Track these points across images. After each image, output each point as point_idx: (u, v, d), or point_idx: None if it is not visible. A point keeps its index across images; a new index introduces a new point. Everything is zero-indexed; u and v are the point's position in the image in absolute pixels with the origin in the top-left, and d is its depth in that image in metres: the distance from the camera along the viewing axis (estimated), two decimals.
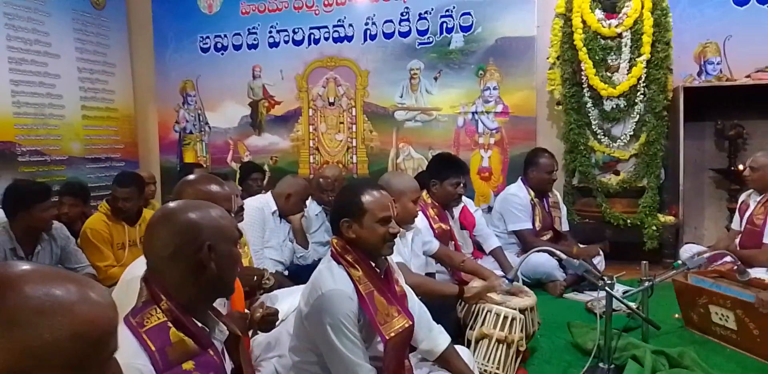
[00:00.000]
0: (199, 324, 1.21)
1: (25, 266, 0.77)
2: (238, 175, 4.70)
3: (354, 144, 5.47)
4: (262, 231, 3.32)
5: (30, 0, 4.81)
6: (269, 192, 3.56)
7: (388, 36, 5.24)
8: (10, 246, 2.75)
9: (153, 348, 1.12)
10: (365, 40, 5.32)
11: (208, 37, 5.78)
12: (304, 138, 5.62)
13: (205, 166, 5.53)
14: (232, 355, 1.29)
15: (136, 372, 1.08)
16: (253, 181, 4.50)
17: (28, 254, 2.85)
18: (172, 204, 1.29)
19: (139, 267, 1.72)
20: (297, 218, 3.67)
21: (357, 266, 1.72)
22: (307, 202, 3.68)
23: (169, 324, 1.16)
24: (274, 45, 5.61)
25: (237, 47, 5.72)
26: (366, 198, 1.73)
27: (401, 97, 5.28)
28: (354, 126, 5.46)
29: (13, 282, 0.72)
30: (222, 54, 5.76)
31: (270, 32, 5.60)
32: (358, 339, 1.65)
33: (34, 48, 4.84)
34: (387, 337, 1.66)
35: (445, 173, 3.12)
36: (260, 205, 3.38)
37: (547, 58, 4.51)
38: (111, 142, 5.68)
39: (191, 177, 2.07)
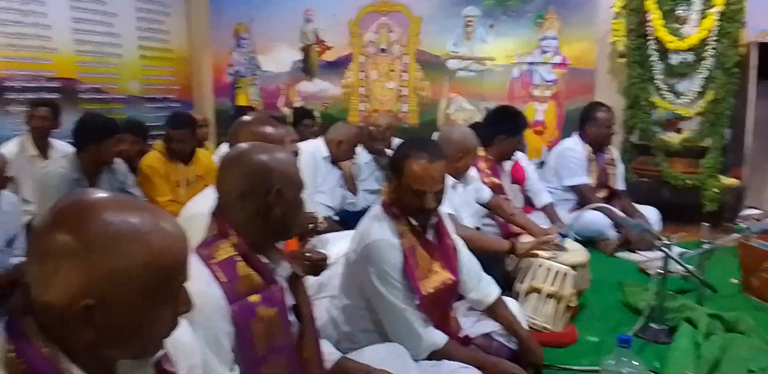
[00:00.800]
0: (265, 261, 1.26)
1: (104, 194, 0.79)
2: (291, 120, 4.71)
3: (405, 93, 5.39)
4: (314, 175, 3.37)
5: None
6: (321, 138, 3.58)
7: None
8: (75, 177, 2.86)
9: (223, 280, 1.17)
10: None
11: None
12: (355, 85, 5.56)
13: (257, 110, 5.57)
14: (293, 293, 1.34)
15: (210, 300, 1.13)
16: (306, 127, 4.52)
17: (91, 185, 2.97)
18: (245, 145, 1.31)
19: (197, 204, 1.78)
20: (347, 165, 3.70)
21: (401, 219, 1.73)
22: (358, 150, 3.69)
23: (237, 259, 1.21)
24: None
25: None
26: (410, 163, 1.67)
27: (455, 45, 5.12)
28: (405, 74, 5.36)
29: (93, 209, 0.75)
30: None
31: None
32: (403, 286, 1.68)
33: None
34: (424, 293, 1.68)
35: (512, 129, 3.04)
36: (312, 150, 3.41)
37: (611, 7, 4.26)
38: (167, 82, 5.76)
39: (246, 117, 2.07)
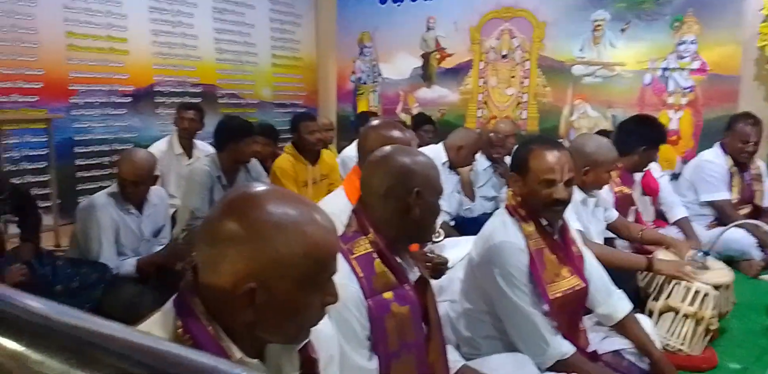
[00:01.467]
0: (399, 260, 1.30)
1: (265, 187, 0.86)
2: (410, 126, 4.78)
3: (525, 99, 5.28)
4: None
5: None
6: (441, 143, 3.61)
7: None
8: (216, 174, 3.11)
9: (361, 275, 1.24)
10: None
11: None
12: (473, 91, 5.53)
13: (379, 115, 5.72)
14: (420, 296, 1.36)
15: (350, 293, 1.20)
16: (425, 132, 4.57)
17: (230, 183, 3.21)
18: (390, 148, 1.40)
19: (327, 204, 1.86)
20: (466, 171, 3.69)
21: (528, 221, 1.69)
22: (477, 156, 3.67)
23: (374, 256, 1.28)
24: None
25: None
26: (534, 156, 1.66)
27: (581, 50, 4.94)
28: (526, 80, 5.25)
29: (257, 200, 0.82)
30: (398, 5, 5.79)
31: None
32: (530, 290, 1.65)
33: None
34: (551, 297, 1.63)
35: (654, 140, 2.84)
36: (432, 155, 3.41)
37: (761, 10, 3.90)
38: (295, 88, 6.10)
39: (375, 122, 2.14)
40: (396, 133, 1.97)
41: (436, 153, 3.52)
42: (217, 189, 3.17)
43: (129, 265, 2.60)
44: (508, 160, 3.81)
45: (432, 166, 1.37)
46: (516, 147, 1.81)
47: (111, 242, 2.59)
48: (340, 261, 1.21)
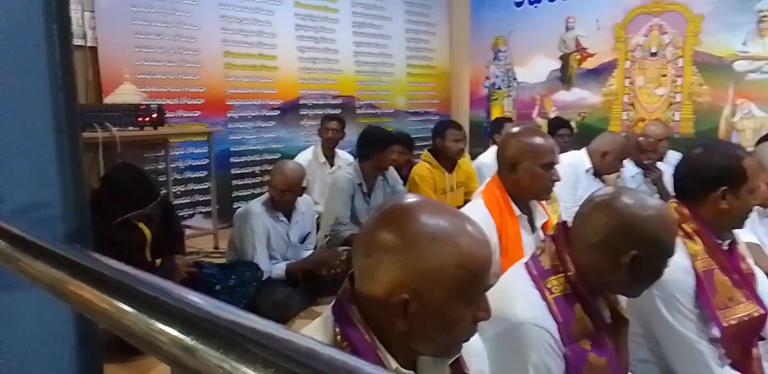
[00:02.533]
0: (597, 306, 1.20)
1: (418, 198, 0.86)
2: (546, 131, 4.62)
3: (678, 99, 4.85)
4: (574, 188, 3.24)
5: None
6: (584, 149, 3.43)
7: None
8: (358, 182, 3.24)
9: (560, 320, 1.14)
10: None
11: None
12: (618, 92, 5.20)
13: (515, 121, 5.60)
14: (612, 339, 1.25)
15: (548, 338, 1.12)
16: (560, 137, 4.37)
17: (369, 190, 3.33)
18: (625, 195, 1.18)
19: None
20: (612, 178, 3.47)
21: (697, 238, 1.52)
22: (624, 162, 3.44)
23: (574, 299, 1.17)
24: None
25: None
26: (748, 163, 1.48)
27: (744, 44, 4.43)
28: (679, 79, 4.82)
29: (411, 211, 0.82)
30: (536, 6, 5.62)
31: None
32: (695, 316, 1.49)
33: (372, 12, 5.47)
34: (725, 324, 1.45)
35: None
36: (574, 162, 3.29)
37: None
38: (429, 97, 6.17)
39: (516, 129, 2.07)
40: (538, 140, 1.90)
41: (578, 159, 3.35)
42: (357, 196, 3.29)
43: (279, 269, 2.80)
44: (660, 165, 3.55)
45: (666, 223, 1.16)
46: (708, 157, 1.57)
47: (263, 247, 2.80)
48: (538, 302, 1.15)
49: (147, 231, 2.53)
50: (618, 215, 1.14)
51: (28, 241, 0.62)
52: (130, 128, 3.35)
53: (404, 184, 3.57)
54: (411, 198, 0.86)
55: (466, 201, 3.66)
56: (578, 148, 3.51)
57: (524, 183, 1.81)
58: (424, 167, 3.53)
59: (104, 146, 3.13)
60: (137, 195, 2.43)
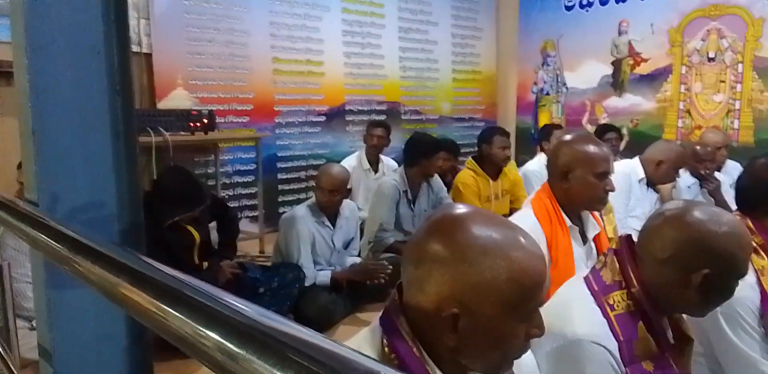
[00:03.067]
0: (662, 325, 1.15)
1: (469, 209, 0.83)
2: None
3: (737, 106, 4.65)
4: (627, 198, 3.13)
5: None
6: (637, 158, 3.31)
7: None
8: (403, 189, 3.24)
9: (621, 338, 1.09)
10: None
11: None
12: (673, 99, 5.02)
13: (564, 128, 5.48)
14: (676, 360, 1.19)
15: (608, 357, 1.07)
16: (608, 142, 4.24)
17: (414, 197, 3.32)
18: (698, 210, 1.12)
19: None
20: (667, 188, 3.34)
21: (762, 253, 1.44)
22: (680, 172, 3.30)
23: (638, 317, 1.12)
24: None
25: (603, 2, 5.37)
26: None
27: None
28: (739, 85, 4.62)
29: (462, 223, 0.79)
30: (587, 10, 5.50)
31: None
32: (760, 335, 1.40)
33: (418, 17, 5.46)
34: None
35: None
36: (627, 171, 3.17)
37: None
38: (474, 102, 6.11)
39: (567, 137, 1.99)
40: (591, 148, 1.82)
41: (631, 168, 3.23)
42: (402, 203, 3.28)
43: (324, 277, 2.81)
44: (718, 175, 3.39)
45: (742, 241, 1.09)
46: None
47: (308, 251, 2.82)
48: (599, 319, 1.10)
49: (196, 234, 2.59)
50: (691, 230, 1.08)
51: (83, 244, 0.63)
52: (182, 133, 3.43)
53: (448, 191, 3.54)
54: (462, 209, 0.83)
55: (512, 210, 3.60)
56: (631, 157, 3.40)
57: (576, 192, 1.75)
58: (468, 175, 3.49)
59: (157, 150, 3.22)
60: (186, 198, 2.49)
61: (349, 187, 2.93)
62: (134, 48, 3.68)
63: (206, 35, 4.07)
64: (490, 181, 3.52)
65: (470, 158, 3.65)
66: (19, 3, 1.00)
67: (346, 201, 3.00)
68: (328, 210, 2.89)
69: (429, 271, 0.78)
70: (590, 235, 1.86)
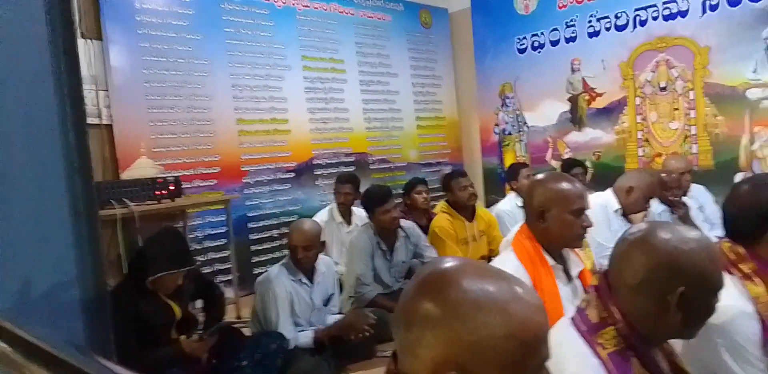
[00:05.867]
0: (655, 360, 1.11)
1: (457, 262, 0.78)
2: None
3: (693, 132, 4.80)
4: (607, 230, 3.13)
5: (376, 28, 5.59)
6: (609, 189, 3.35)
7: (733, 3, 4.44)
8: (376, 241, 3.19)
9: None
10: (704, 12, 4.62)
11: (525, 38, 5.80)
12: (631, 129, 5.16)
13: (530, 166, 5.57)
14: None
15: None
16: (574, 176, 4.30)
17: (390, 248, 3.26)
18: (661, 229, 1.10)
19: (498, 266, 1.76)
20: (639, 218, 3.35)
21: (757, 279, 1.41)
22: (651, 201, 3.34)
23: (630, 354, 1.08)
24: (594, 34, 5.30)
25: (554, 43, 5.59)
26: None
27: (754, 72, 4.41)
28: (693, 111, 4.78)
29: (452, 277, 0.74)
30: (539, 52, 5.71)
31: (590, 22, 5.32)
32: (765, 364, 1.36)
33: (378, 70, 5.60)
34: None
35: None
36: (602, 202, 3.20)
37: None
38: (440, 147, 6.19)
39: (540, 176, 2.01)
40: (565, 186, 1.83)
41: (605, 199, 3.26)
42: (377, 254, 3.23)
43: (305, 337, 2.69)
44: (686, 200, 3.44)
45: (711, 255, 1.08)
46: (756, 195, 1.46)
47: (287, 314, 2.71)
48: (590, 360, 1.06)
49: (176, 309, 2.48)
50: (657, 251, 1.06)
51: (39, 348, 0.56)
52: (148, 202, 3.35)
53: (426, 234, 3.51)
54: (449, 262, 0.78)
55: (490, 251, 3.57)
56: (597, 189, 3.44)
57: (555, 231, 1.73)
58: (443, 218, 3.47)
59: (123, 221, 3.12)
60: (175, 256, 2.43)
61: (322, 240, 2.88)
62: (94, 120, 3.63)
63: (167, 102, 4.05)
64: (466, 223, 3.50)
65: (443, 202, 3.64)
66: None
67: (321, 257, 2.93)
68: (304, 267, 2.81)
69: (421, 334, 0.72)
70: (574, 273, 1.83)
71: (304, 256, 2.75)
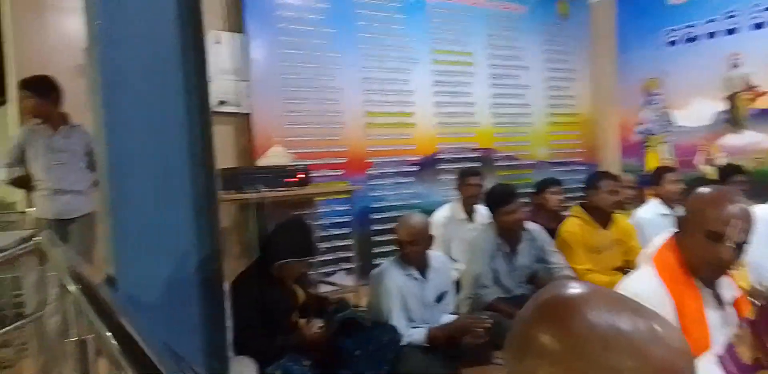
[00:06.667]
0: None
1: (586, 288, 0.66)
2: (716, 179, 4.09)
3: None
4: None
5: (509, 20, 5.40)
6: None
7: None
8: (497, 242, 3.07)
9: None
10: None
11: (675, 29, 5.29)
12: None
13: (677, 170, 5.08)
14: None
15: None
16: (736, 185, 3.82)
17: (512, 250, 3.12)
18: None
19: (634, 284, 1.57)
20: None
21: None
22: None
23: None
24: (758, 26, 4.70)
25: (711, 35, 5.04)
26: None
27: None
28: None
29: (578, 306, 0.62)
30: (692, 45, 5.18)
31: (753, 12, 4.72)
32: None
33: (509, 63, 5.40)
34: None
35: None
36: (766, 216, 2.80)
37: None
38: (573, 146, 5.86)
39: (703, 189, 1.67)
40: (731, 200, 1.53)
41: None
42: (498, 256, 3.10)
43: (419, 334, 2.66)
44: None
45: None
46: None
47: (399, 308, 2.71)
48: None
49: (301, 294, 2.62)
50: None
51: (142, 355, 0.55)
52: (279, 189, 3.51)
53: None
54: (576, 288, 0.66)
55: (625, 262, 3.29)
56: (758, 201, 3.01)
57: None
58: (574, 223, 3.25)
59: (255, 206, 3.29)
60: (302, 243, 2.55)
61: (431, 234, 2.83)
62: (234, 109, 3.87)
63: (301, 94, 4.22)
64: (599, 229, 3.25)
65: (577, 205, 3.42)
66: (97, 89, 1.02)
67: (434, 253, 2.90)
68: (415, 263, 2.79)
69: (534, 369, 0.62)
70: (727, 297, 1.60)
71: (410, 251, 2.74)
